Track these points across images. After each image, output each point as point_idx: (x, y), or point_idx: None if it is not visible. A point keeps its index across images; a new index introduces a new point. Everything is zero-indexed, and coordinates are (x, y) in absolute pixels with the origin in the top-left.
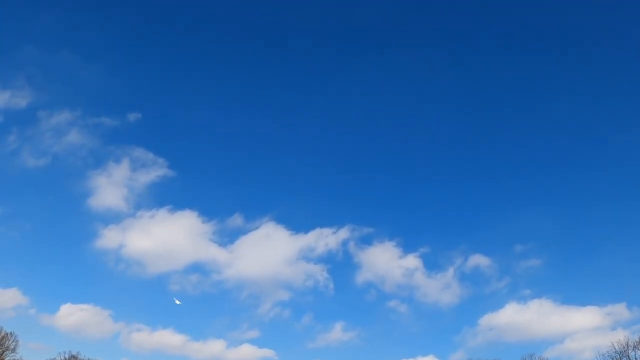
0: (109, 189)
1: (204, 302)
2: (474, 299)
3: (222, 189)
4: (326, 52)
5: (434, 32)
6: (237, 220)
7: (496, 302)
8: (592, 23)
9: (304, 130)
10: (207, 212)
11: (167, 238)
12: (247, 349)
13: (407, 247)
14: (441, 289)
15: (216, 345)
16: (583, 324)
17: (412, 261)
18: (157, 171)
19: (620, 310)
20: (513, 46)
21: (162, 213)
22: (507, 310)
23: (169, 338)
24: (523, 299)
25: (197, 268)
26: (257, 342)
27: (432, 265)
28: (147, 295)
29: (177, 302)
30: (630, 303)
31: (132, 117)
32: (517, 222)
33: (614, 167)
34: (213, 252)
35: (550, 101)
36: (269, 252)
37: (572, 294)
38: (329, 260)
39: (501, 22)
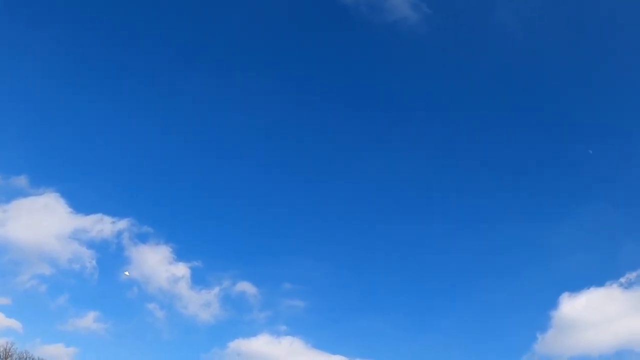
0: None
1: None
2: (230, 323)
3: (17, 147)
4: None
5: None
6: (21, 181)
7: (251, 331)
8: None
9: (121, 115)
10: None
11: None
12: None
13: (180, 256)
14: (202, 305)
15: None
16: None
17: (181, 270)
18: None
19: None
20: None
21: None
22: (259, 340)
23: None
24: (277, 333)
25: None
26: (5, 310)
27: (199, 279)
28: None
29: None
30: None
31: None
32: (292, 264)
33: (389, 223)
34: None
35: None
36: (43, 223)
37: (324, 341)
38: (101, 248)
39: None
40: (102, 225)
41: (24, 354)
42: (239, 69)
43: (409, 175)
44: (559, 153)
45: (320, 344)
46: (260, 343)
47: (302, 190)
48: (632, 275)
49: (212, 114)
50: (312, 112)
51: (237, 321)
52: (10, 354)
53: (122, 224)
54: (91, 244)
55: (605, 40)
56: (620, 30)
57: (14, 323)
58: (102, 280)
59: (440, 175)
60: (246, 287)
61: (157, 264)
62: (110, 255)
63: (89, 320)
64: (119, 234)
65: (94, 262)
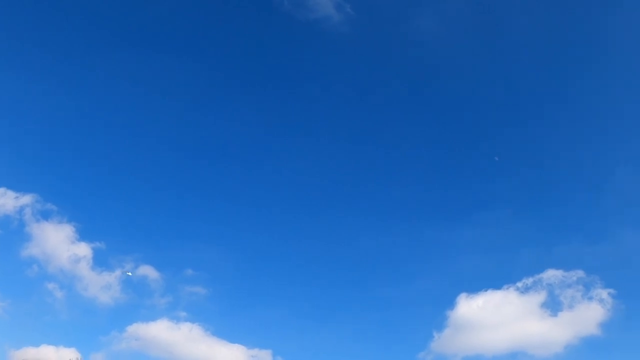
0: None
1: None
2: (130, 306)
3: None
4: None
5: None
6: None
7: (150, 315)
8: None
9: (29, 87)
10: None
11: None
12: None
13: (84, 236)
14: (102, 287)
15: None
16: (228, 358)
17: (83, 250)
18: None
19: (265, 356)
20: None
21: None
22: (158, 325)
23: None
24: (177, 319)
25: None
26: None
27: (101, 261)
28: None
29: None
30: (276, 352)
31: None
32: (196, 250)
33: (294, 213)
34: None
35: None
36: None
37: (224, 329)
38: (1, 223)
39: None
40: (5, 200)
41: None
42: (156, 53)
43: (318, 167)
44: (466, 157)
45: (219, 332)
46: (160, 328)
47: (211, 176)
48: (528, 281)
49: (125, 93)
50: (227, 100)
51: (137, 305)
52: None
53: (26, 199)
54: None
55: (517, 50)
56: (535, 37)
57: None
58: (1, 257)
59: (349, 169)
60: (148, 271)
61: (59, 242)
62: (10, 232)
63: None
64: (21, 210)
65: None
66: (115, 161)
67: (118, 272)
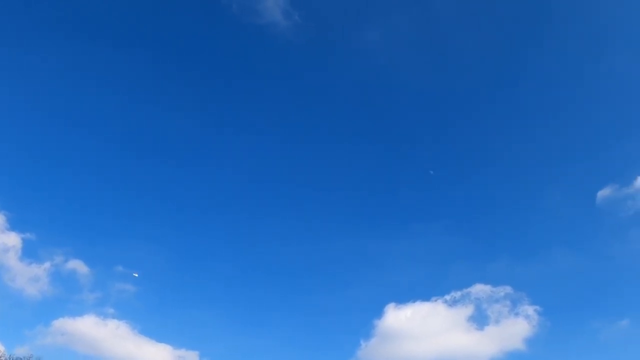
0: None
1: None
2: (58, 300)
3: None
4: None
5: None
6: None
7: (78, 310)
8: None
9: None
10: None
11: None
12: None
13: (14, 225)
14: (30, 279)
15: None
16: (154, 357)
17: (13, 240)
18: None
19: (192, 357)
20: None
21: None
22: (85, 320)
23: None
24: (104, 316)
25: None
26: None
27: (30, 252)
28: None
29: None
30: (203, 354)
31: None
32: (128, 247)
33: (229, 215)
34: None
35: None
36: None
37: (152, 328)
38: None
39: None
40: None
41: None
42: (101, 47)
43: (255, 168)
44: (403, 168)
45: (147, 331)
46: (86, 324)
47: (145, 174)
48: (457, 294)
49: (59, 86)
50: (165, 100)
51: (65, 299)
52: None
53: None
54: None
55: (458, 66)
56: (477, 54)
57: None
58: None
59: (288, 173)
60: (78, 265)
61: None
62: None
63: None
64: None
65: None
66: (50, 153)
67: (47, 265)
